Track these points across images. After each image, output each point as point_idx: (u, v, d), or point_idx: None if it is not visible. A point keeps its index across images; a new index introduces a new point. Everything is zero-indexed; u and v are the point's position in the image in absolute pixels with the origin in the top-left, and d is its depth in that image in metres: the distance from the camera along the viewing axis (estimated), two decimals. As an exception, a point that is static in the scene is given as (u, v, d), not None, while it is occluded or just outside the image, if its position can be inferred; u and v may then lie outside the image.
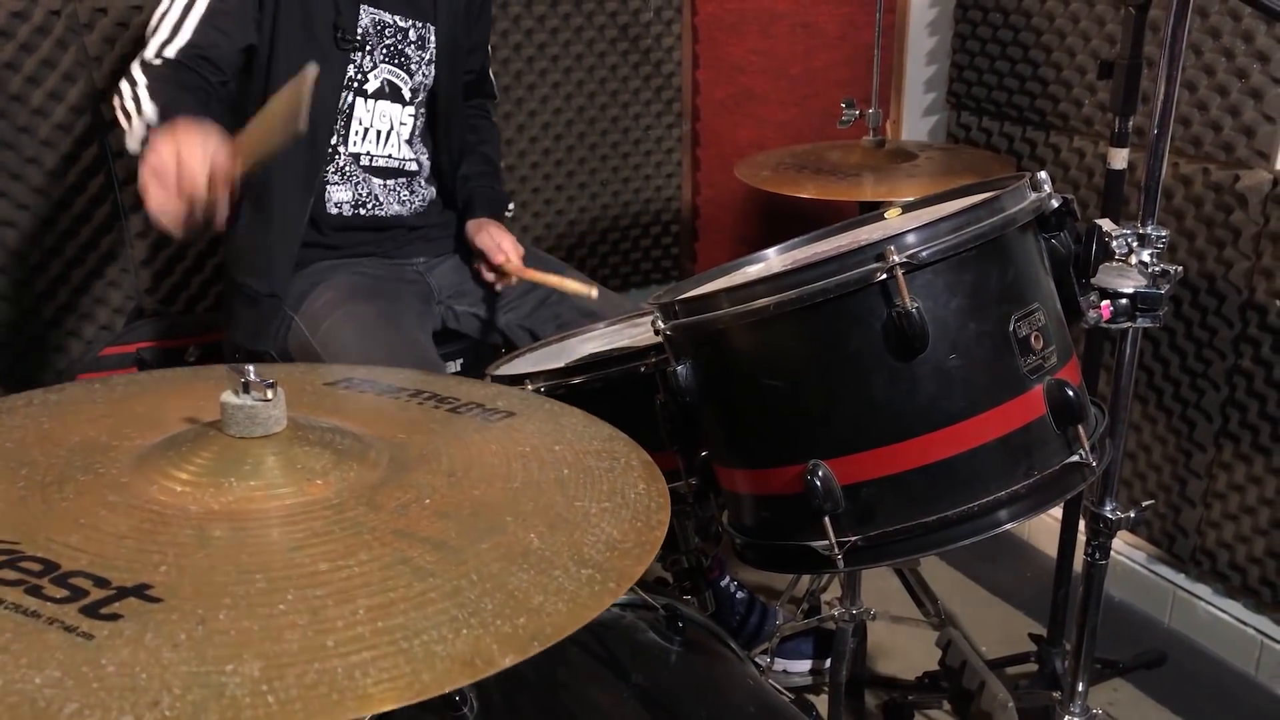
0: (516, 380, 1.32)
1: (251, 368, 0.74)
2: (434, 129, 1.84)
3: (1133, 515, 1.31)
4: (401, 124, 1.79)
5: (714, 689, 1.14)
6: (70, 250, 2.06)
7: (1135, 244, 1.21)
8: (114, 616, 0.55)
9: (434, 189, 1.88)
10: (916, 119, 2.43)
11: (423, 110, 1.81)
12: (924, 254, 0.89)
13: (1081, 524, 1.38)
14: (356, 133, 1.73)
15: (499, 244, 1.78)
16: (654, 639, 1.16)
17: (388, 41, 1.73)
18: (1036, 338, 0.94)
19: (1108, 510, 1.31)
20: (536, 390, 1.29)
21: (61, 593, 0.57)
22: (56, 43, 1.95)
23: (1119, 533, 2.08)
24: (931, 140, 2.41)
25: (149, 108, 1.45)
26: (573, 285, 1.73)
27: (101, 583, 0.58)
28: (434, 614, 0.60)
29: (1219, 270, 1.85)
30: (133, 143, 1.47)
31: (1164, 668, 1.94)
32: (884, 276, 0.88)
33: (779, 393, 0.95)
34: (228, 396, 0.74)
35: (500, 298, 1.86)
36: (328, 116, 1.68)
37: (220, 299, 2.22)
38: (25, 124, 1.96)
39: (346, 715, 0.50)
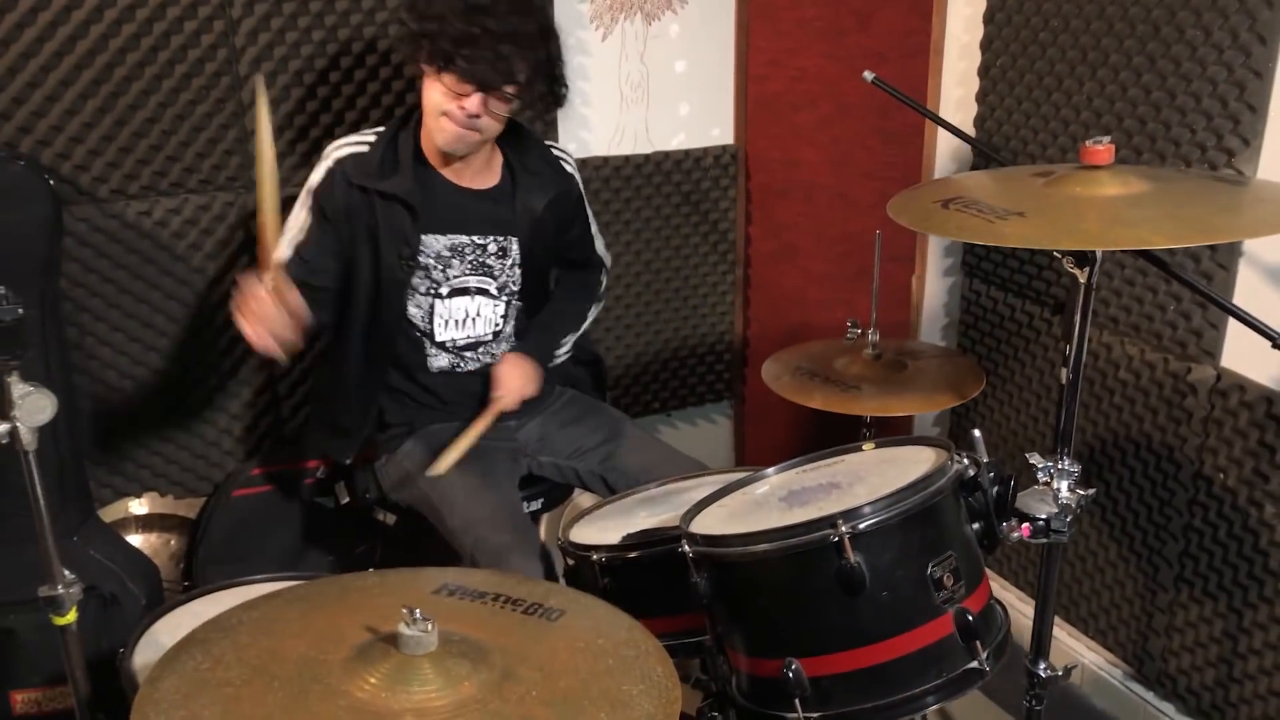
0: (586, 550, 1.75)
1: (419, 611, 1.17)
2: (527, 309, 2.27)
3: (1059, 674, 1.68)
4: (495, 308, 2.20)
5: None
6: (230, 387, 2.56)
7: (1054, 474, 1.59)
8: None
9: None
10: (938, 277, 2.81)
11: (515, 300, 2.22)
12: (862, 526, 1.30)
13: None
14: (439, 326, 2.16)
15: (501, 379, 2.12)
16: (681, 762, 1.57)
17: (469, 257, 2.14)
18: (948, 577, 1.34)
19: (1041, 669, 1.69)
20: (600, 560, 1.72)
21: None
22: (230, 226, 2.44)
23: (1104, 650, 2.44)
24: (949, 297, 2.78)
25: None
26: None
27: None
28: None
29: (1176, 443, 2.20)
30: None
31: (1132, 775, 2.28)
32: (836, 540, 1.30)
33: (765, 608, 1.36)
34: (403, 628, 1.17)
35: (575, 449, 2.27)
36: (394, 317, 2.12)
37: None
38: (202, 290, 2.46)
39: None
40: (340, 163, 2.06)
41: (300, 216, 2.09)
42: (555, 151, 2.24)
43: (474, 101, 1.94)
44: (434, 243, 2.10)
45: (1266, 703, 2.09)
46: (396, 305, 2.12)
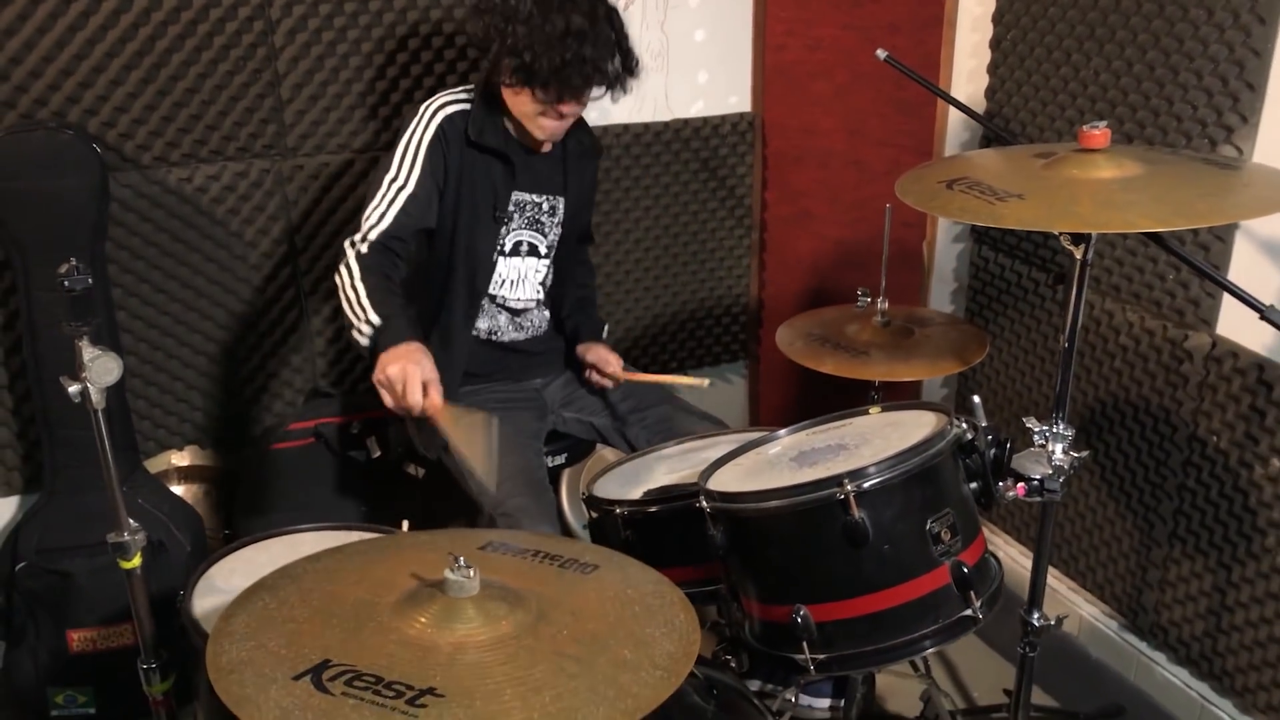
0: (609, 504, 1.86)
1: (462, 558, 1.29)
2: (556, 276, 2.39)
3: (1051, 624, 1.79)
4: (537, 273, 2.33)
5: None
6: (267, 345, 2.68)
7: (1050, 437, 1.69)
8: (423, 705, 1.08)
9: (546, 313, 2.42)
10: (948, 243, 2.89)
11: (552, 265, 2.35)
12: (867, 485, 1.41)
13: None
14: (496, 282, 2.28)
15: (606, 359, 2.34)
16: (697, 700, 1.69)
17: (528, 214, 2.28)
18: (946, 532, 1.45)
19: (1034, 618, 1.80)
20: (622, 514, 1.84)
21: (391, 693, 1.10)
22: (266, 192, 2.55)
23: (1100, 602, 2.56)
24: (958, 263, 2.87)
25: (372, 314, 1.96)
26: (683, 380, 2.26)
27: (409, 687, 1.11)
28: (584, 700, 1.12)
29: (1173, 406, 2.30)
30: (361, 339, 1.98)
31: (1122, 719, 2.41)
32: (842, 497, 1.41)
33: (776, 559, 1.48)
34: (448, 573, 1.29)
35: (598, 406, 2.39)
36: (485, 269, 2.24)
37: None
38: (240, 253, 2.57)
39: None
40: (450, 119, 2.15)
41: (410, 172, 2.14)
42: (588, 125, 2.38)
43: (571, 106, 2.10)
44: (511, 198, 2.24)
45: (1252, 653, 2.20)
46: (486, 258, 2.24)
